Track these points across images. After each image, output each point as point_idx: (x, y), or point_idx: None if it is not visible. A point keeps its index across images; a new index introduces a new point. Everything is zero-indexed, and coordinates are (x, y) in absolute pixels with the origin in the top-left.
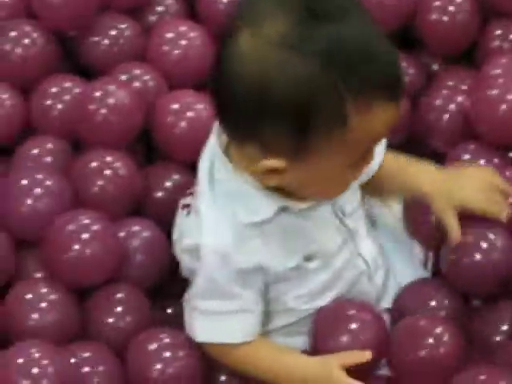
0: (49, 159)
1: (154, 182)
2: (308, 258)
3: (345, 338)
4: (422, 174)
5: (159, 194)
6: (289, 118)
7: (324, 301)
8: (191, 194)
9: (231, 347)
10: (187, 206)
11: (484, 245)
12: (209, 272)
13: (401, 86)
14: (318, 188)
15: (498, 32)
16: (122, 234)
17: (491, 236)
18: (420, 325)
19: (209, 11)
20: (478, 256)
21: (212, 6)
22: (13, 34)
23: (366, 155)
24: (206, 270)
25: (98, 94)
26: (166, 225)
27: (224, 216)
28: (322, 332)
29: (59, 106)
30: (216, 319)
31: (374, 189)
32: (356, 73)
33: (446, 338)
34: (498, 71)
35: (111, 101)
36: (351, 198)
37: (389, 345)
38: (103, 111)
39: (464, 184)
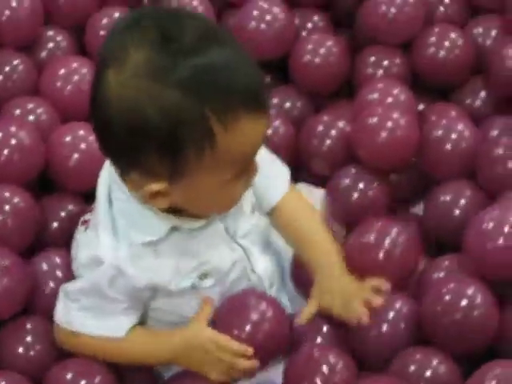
0: None
1: (51, 212)
2: (202, 277)
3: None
4: (321, 254)
5: (55, 225)
6: (159, 144)
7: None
8: (90, 211)
9: (100, 339)
10: (86, 221)
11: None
12: (98, 279)
13: (263, 97)
14: (205, 204)
15: (372, 59)
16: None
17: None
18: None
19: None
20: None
21: (99, 41)
22: None
23: (247, 168)
24: (97, 276)
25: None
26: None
27: (120, 234)
28: (225, 321)
29: None
30: (97, 316)
31: (274, 225)
32: (218, 94)
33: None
34: (375, 95)
35: (13, 142)
36: (243, 225)
37: None
38: (5, 152)
39: (335, 290)
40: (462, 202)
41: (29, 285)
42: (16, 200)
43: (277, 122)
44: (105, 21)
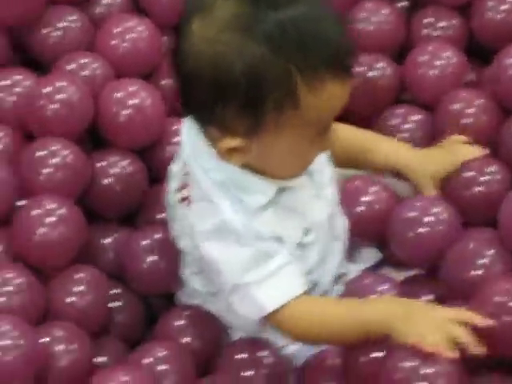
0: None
1: (101, 168)
2: (306, 232)
3: None
4: (397, 149)
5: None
6: (241, 97)
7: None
8: (183, 187)
9: (294, 307)
10: (185, 198)
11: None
12: (243, 241)
13: (348, 60)
14: (278, 165)
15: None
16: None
17: None
18: None
19: (153, 3)
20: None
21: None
22: None
23: (325, 130)
24: (241, 240)
25: (47, 89)
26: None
27: (234, 199)
28: None
29: (10, 99)
30: (270, 282)
31: (346, 162)
32: (306, 53)
33: None
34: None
35: (61, 96)
36: (326, 173)
37: None
38: (53, 106)
39: (431, 162)
40: None
41: (83, 234)
42: (65, 152)
43: None
44: None
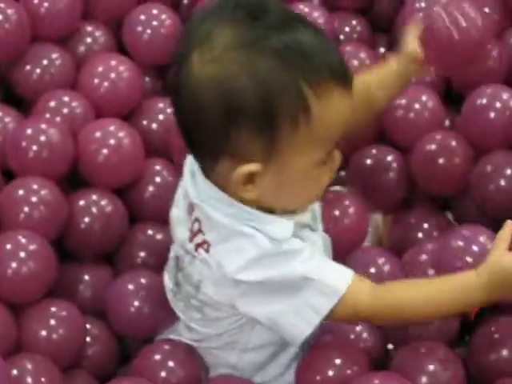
0: None
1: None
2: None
3: None
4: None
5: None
6: (253, 117)
7: None
8: (195, 234)
9: (360, 287)
10: (203, 243)
11: None
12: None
13: (350, 75)
14: (295, 190)
15: None
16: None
17: None
18: None
19: (135, 43)
20: None
21: (136, 37)
22: None
23: (333, 149)
24: (285, 256)
25: (29, 131)
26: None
27: (258, 229)
28: None
29: None
30: (329, 267)
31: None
32: (311, 62)
33: None
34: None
35: (43, 139)
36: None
37: None
38: (35, 148)
39: None
40: None
41: (53, 271)
42: (44, 192)
43: None
44: (142, 17)
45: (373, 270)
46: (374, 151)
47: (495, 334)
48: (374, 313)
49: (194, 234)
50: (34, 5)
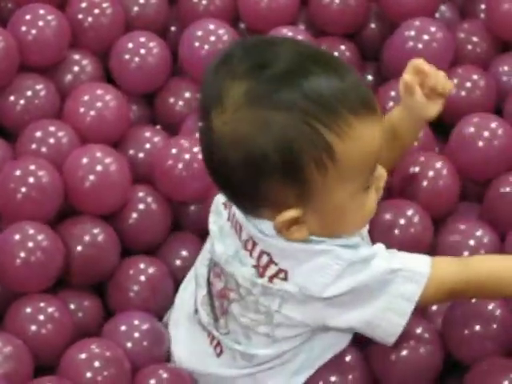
0: None
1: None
2: None
3: None
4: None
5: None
6: (279, 171)
7: None
8: (265, 267)
9: (441, 265)
10: (276, 274)
11: None
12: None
13: (369, 100)
14: (343, 222)
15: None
16: None
17: None
18: None
19: (122, 71)
20: None
21: (123, 66)
22: None
23: (373, 173)
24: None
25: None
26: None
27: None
28: None
29: None
30: (405, 257)
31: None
32: (327, 106)
33: None
34: None
35: (31, 181)
36: None
37: None
38: (24, 190)
39: None
40: None
41: None
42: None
43: None
44: (130, 45)
45: None
46: None
47: None
48: (463, 286)
49: (264, 268)
50: (21, 33)
